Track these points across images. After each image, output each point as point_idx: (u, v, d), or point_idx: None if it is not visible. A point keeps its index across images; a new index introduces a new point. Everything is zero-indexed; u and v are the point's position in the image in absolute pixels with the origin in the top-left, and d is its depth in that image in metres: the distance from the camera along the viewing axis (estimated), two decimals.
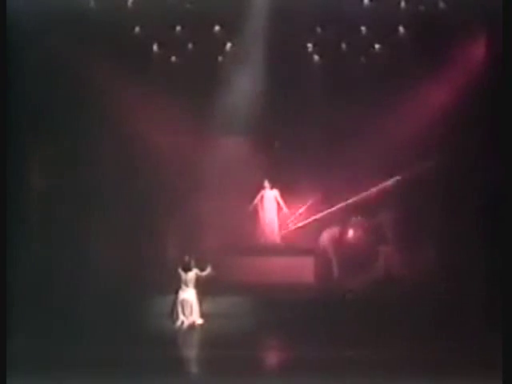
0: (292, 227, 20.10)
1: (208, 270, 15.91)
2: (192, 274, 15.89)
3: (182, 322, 15.81)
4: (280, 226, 20.05)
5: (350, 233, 19.94)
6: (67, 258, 17.44)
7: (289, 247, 19.75)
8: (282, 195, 19.86)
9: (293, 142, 19.60)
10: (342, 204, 19.52)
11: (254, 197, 19.83)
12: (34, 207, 17.10)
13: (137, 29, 18.55)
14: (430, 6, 17.66)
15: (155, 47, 19.10)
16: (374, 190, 18.85)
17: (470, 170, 17.47)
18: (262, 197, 19.92)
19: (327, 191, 19.45)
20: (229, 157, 19.10)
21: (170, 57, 19.37)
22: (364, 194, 19.02)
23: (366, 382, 11.94)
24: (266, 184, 19.87)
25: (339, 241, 19.82)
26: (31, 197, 16.96)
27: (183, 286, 15.85)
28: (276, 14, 17.74)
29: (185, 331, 15.68)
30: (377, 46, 18.97)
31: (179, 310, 15.85)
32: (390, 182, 18.68)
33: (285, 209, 19.87)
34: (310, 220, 19.96)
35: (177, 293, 15.94)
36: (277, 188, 19.91)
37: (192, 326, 15.78)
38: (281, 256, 19.18)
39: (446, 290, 16.66)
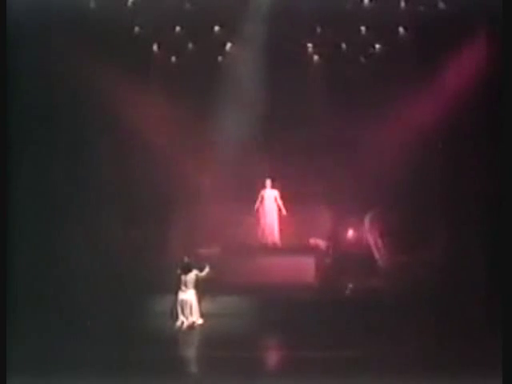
0: (292, 227, 20.08)
1: (206, 270, 15.90)
2: (192, 275, 15.87)
3: (182, 323, 15.80)
4: (280, 226, 20.02)
5: (350, 233, 19.95)
6: (67, 259, 17.44)
7: (289, 247, 19.73)
8: (283, 195, 19.83)
9: (293, 142, 19.59)
10: (342, 204, 19.51)
11: (254, 197, 19.81)
12: (34, 207, 17.08)
13: (137, 29, 18.59)
14: (429, 6, 17.69)
15: (155, 47, 19.13)
16: (374, 189, 18.81)
17: (471, 169, 17.48)
18: (263, 197, 19.90)
19: (327, 191, 19.43)
20: (229, 157, 19.09)
21: (170, 57, 19.39)
22: (364, 194, 18.98)
23: (366, 382, 11.93)
24: (268, 183, 19.84)
25: (339, 240, 19.83)
26: (31, 196, 16.94)
27: (182, 287, 15.84)
28: (276, 14, 17.77)
29: (185, 331, 15.67)
30: (377, 46, 19.01)
31: (179, 310, 15.84)
32: (390, 182, 18.63)
33: (284, 211, 19.83)
34: (310, 220, 19.95)
35: (176, 293, 15.92)
36: (277, 188, 19.88)
37: (192, 326, 15.77)
38: (281, 256, 19.17)
39: (446, 289, 16.65)
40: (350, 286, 17.98)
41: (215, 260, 17.47)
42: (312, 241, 19.73)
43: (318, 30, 18.89)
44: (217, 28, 18.85)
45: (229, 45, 19.29)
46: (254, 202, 19.83)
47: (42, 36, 16.98)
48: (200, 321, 15.90)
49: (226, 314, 16.50)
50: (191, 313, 15.84)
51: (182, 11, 18.07)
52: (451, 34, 17.57)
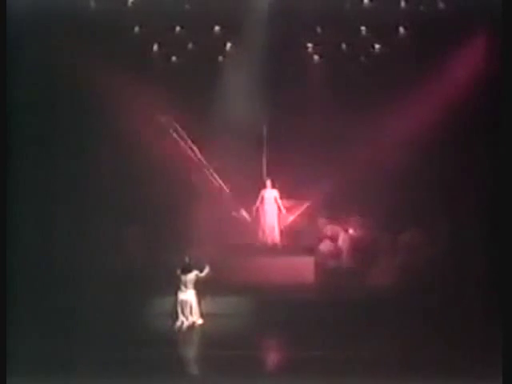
0: (292, 227, 20.07)
1: (206, 270, 15.88)
2: (191, 276, 15.85)
3: (182, 323, 15.79)
4: (280, 226, 20.01)
5: (350, 232, 19.93)
6: (67, 259, 17.44)
7: (289, 247, 19.73)
8: (283, 195, 19.82)
9: (293, 142, 19.57)
10: (343, 203, 19.50)
11: (253, 197, 19.80)
12: (34, 207, 17.09)
13: (137, 29, 18.60)
14: (429, 6, 17.70)
15: (155, 47, 19.13)
16: (373, 189, 18.79)
17: (471, 169, 17.49)
18: (263, 197, 19.89)
19: (327, 191, 19.41)
20: (229, 156, 19.09)
21: (170, 57, 19.39)
22: (364, 194, 18.97)
23: (366, 382, 11.95)
24: (268, 183, 19.83)
25: (339, 240, 19.82)
26: (31, 197, 16.95)
27: (182, 287, 15.81)
28: (276, 14, 17.77)
29: (185, 331, 15.66)
30: (377, 46, 19.01)
31: (179, 310, 15.82)
32: (390, 182, 18.61)
33: (283, 210, 19.84)
34: (310, 220, 19.96)
35: (176, 294, 15.91)
36: (277, 188, 19.87)
37: (192, 327, 15.77)
38: (281, 256, 19.16)
39: (446, 289, 16.65)
40: (349, 284, 17.96)
41: (215, 260, 17.45)
42: (312, 241, 19.71)
43: (318, 30, 18.89)
44: (217, 28, 18.85)
45: (229, 45, 19.28)
46: (254, 202, 19.83)
47: (42, 36, 17.00)
48: (200, 321, 15.89)
49: (225, 314, 16.49)
50: (191, 313, 15.81)
51: (182, 11, 18.07)
52: (451, 34, 17.58)
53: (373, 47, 19.07)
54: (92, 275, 17.25)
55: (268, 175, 19.85)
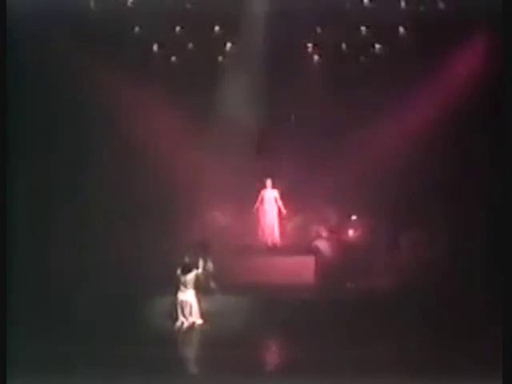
0: (292, 227, 20.07)
1: (200, 263, 15.91)
2: (191, 275, 15.85)
3: (182, 323, 15.80)
4: (280, 226, 20.01)
5: (350, 233, 19.94)
6: (67, 258, 17.45)
7: (289, 247, 19.73)
8: (283, 195, 19.82)
9: (293, 142, 19.59)
10: (343, 203, 19.50)
11: (254, 197, 19.80)
12: (34, 207, 17.10)
13: (137, 29, 18.62)
14: (429, 6, 17.72)
15: (155, 47, 19.14)
16: (374, 189, 18.80)
17: (471, 169, 17.50)
18: (263, 197, 19.89)
19: (327, 191, 19.42)
20: (229, 157, 19.10)
21: (170, 57, 19.41)
22: (364, 193, 18.97)
23: (365, 382, 11.95)
24: (268, 183, 19.83)
25: (339, 240, 19.82)
26: (31, 197, 16.96)
27: (182, 287, 15.81)
28: (276, 14, 17.80)
29: (185, 331, 15.66)
30: (377, 45, 19.02)
31: (179, 311, 15.82)
32: (390, 182, 18.62)
33: (283, 210, 19.83)
34: (310, 220, 19.96)
35: (176, 294, 15.91)
36: (277, 188, 19.87)
37: (192, 327, 15.77)
38: (281, 256, 19.17)
39: (446, 290, 16.65)
40: (349, 284, 18.09)
41: (215, 260, 17.46)
42: (312, 241, 19.72)
43: (318, 30, 18.92)
44: (217, 28, 18.88)
45: (229, 45, 19.31)
46: (254, 202, 19.83)
47: (42, 36, 17.02)
48: (200, 321, 15.89)
49: (226, 314, 16.49)
50: (191, 313, 15.82)
51: (182, 11, 18.11)
52: (451, 34, 17.59)
53: (373, 47, 19.08)
54: (92, 275, 17.25)
55: (268, 175, 19.85)
